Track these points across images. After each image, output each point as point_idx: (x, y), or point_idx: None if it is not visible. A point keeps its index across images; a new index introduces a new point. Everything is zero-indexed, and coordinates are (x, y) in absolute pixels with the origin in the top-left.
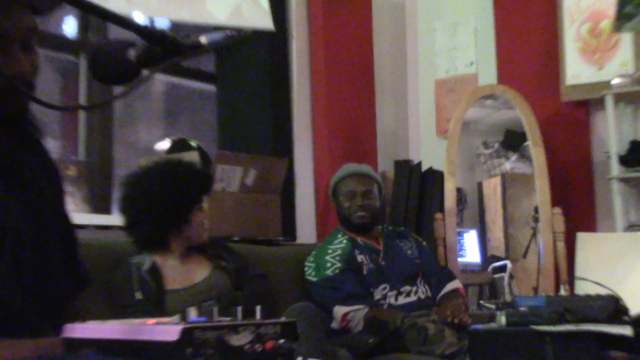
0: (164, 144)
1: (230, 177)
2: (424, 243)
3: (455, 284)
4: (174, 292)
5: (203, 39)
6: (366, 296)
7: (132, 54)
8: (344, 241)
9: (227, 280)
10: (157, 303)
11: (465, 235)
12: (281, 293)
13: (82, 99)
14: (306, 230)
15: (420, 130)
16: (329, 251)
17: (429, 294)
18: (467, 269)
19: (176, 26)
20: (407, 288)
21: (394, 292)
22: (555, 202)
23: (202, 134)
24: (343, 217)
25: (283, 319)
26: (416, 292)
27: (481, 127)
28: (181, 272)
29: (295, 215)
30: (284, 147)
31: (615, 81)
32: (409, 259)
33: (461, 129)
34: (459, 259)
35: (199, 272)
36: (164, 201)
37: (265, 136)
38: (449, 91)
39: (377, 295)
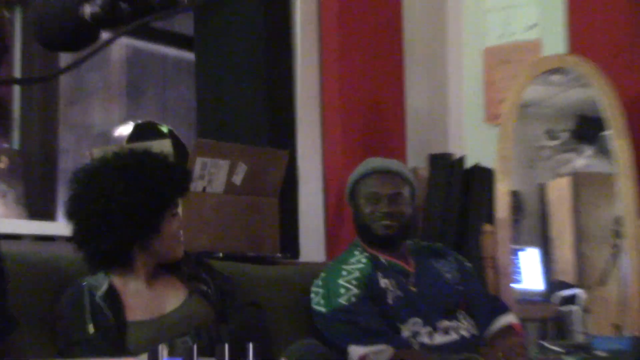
0: (126, 129)
1: (213, 173)
2: (468, 264)
3: (509, 319)
4: (138, 325)
5: None
6: (391, 333)
7: (87, 11)
8: (363, 260)
9: (208, 309)
10: (115, 339)
11: (522, 254)
12: (279, 327)
13: (17, 70)
14: (313, 245)
15: (463, 115)
16: (344, 273)
17: (474, 330)
18: (525, 299)
19: None
20: (445, 323)
21: (428, 329)
22: None
23: (176, 116)
24: (363, 227)
25: None
26: (457, 328)
27: (545, 112)
28: (148, 299)
29: (299, 225)
30: (283, 135)
31: None
32: (449, 285)
33: (518, 114)
34: (515, 286)
35: (171, 298)
36: (125, 205)
37: (259, 120)
38: (503, 63)
39: (406, 332)
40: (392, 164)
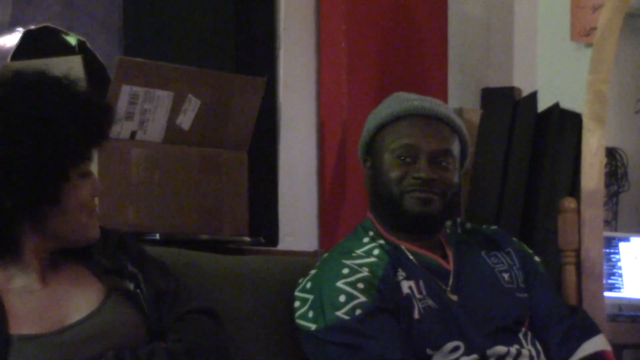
0: (10, 40)
1: (148, 111)
2: (537, 259)
3: (598, 344)
4: (26, 341)
5: None
6: None
7: None
8: (376, 251)
9: (137, 318)
10: None
11: (623, 246)
12: (245, 347)
13: None
14: (299, 225)
15: (536, 30)
16: (346, 271)
17: (544, 359)
18: (624, 315)
19: None
20: (500, 350)
21: (474, 357)
22: None
23: (91, 20)
24: (384, 200)
25: None
26: (518, 355)
27: None
28: (42, 302)
29: (278, 194)
30: (258, 54)
31: None
32: (506, 291)
33: (621, 30)
34: (609, 294)
35: (78, 302)
36: (9, 158)
37: (222, 30)
38: None
39: None
40: (437, 105)
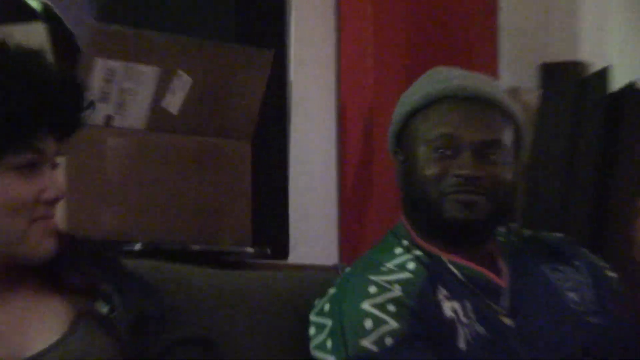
0: None
1: (129, 90)
2: (612, 274)
3: None
4: None
5: None
6: None
7: None
8: (411, 265)
9: (111, 349)
10: None
11: None
12: None
13: None
14: (314, 234)
15: None
16: (372, 290)
17: None
18: None
19: None
20: None
21: None
22: None
23: None
24: (418, 202)
25: None
26: None
27: None
28: None
29: (289, 195)
30: (264, 23)
31: None
32: (574, 314)
33: None
34: None
35: (41, 328)
36: None
37: None
38: None
39: None
40: (484, 83)
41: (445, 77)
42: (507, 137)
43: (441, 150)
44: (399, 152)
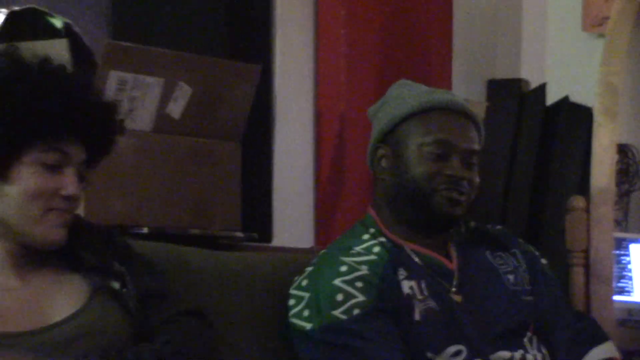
0: None
1: (137, 99)
2: (544, 261)
3: (607, 351)
4: (3, 339)
5: None
6: None
7: None
8: (376, 248)
9: (123, 319)
10: None
11: (633, 247)
12: (236, 350)
13: None
14: (294, 221)
15: (546, 18)
16: (343, 269)
17: None
18: (633, 320)
19: None
20: (504, 355)
21: None
22: None
23: (77, 2)
24: (408, 194)
25: None
26: None
27: None
28: (20, 301)
29: (272, 187)
30: (252, 39)
31: None
32: (512, 293)
33: (635, 19)
34: (618, 298)
35: (61, 301)
36: None
37: (215, 14)
38: None
39: None
40: (460, 98)
41: (427, 91)
42: (479, 147)
43: (434, 152)
44: (384, 148)
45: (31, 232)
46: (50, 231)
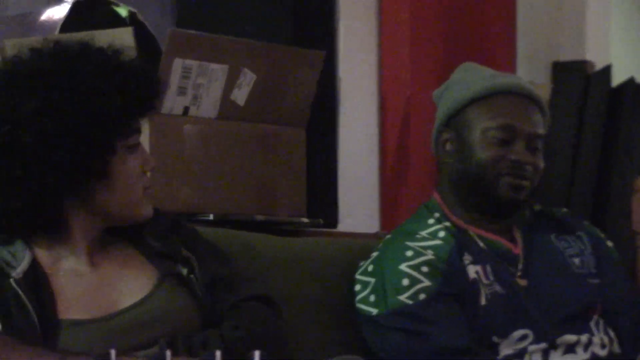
0: (59, 11)
1: (202, 85)
2: (610, 244)
3: None
4: (74, 326)
5: None
6: (482, 352)
7: None
8: (442, 234)
9: (191, 305)
10: (37, 345)
11: None
12: (303, 335)
13: None
14: (359, 206)
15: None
16: (409, 254)
17: (616, 348)
18: None
19: None
20: (570, 338)
21: (543, 346)
22: None
23: None
24: (471, 179)
25: None
26: (589, 344)
27: None
28: (91, 286)
29: (338, 173)
30: (316, 26)
31: None
32: (578, 277)
33: None
34: None
35: (130, 286)
36: (44, 134)
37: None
38: None
39: (507, 349)
40: (524, 81)
41: (491, 75)
42: (543, 130)
43: (499, 137)
44: (448, 131)
45: (133, 213)
46: (147, 208)
